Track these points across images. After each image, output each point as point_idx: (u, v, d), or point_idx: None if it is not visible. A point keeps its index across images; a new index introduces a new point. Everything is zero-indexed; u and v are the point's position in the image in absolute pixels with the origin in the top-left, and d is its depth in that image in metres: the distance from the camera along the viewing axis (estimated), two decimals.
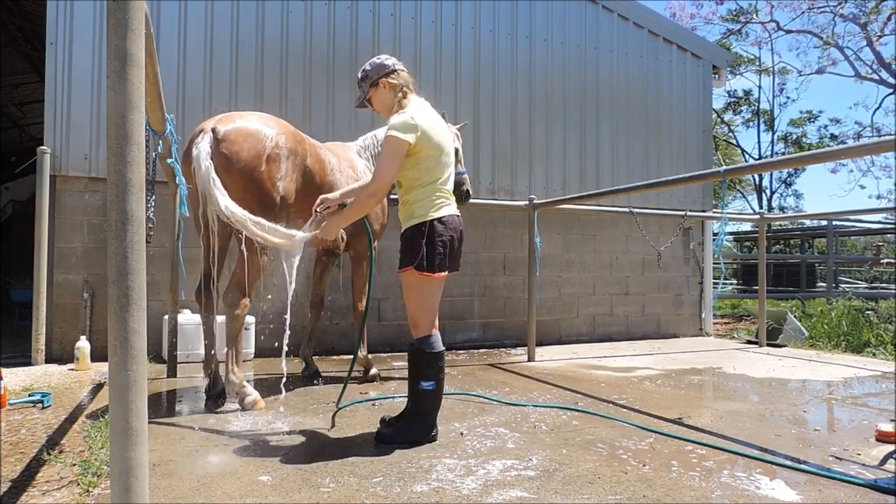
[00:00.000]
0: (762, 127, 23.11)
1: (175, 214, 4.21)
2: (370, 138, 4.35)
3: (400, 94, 2.88)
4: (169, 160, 3.24)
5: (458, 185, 4.35)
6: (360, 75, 3.01)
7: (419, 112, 2.77)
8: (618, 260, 7.17)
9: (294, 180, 3.54)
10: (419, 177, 2.76)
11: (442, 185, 2.80)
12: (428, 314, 2.80)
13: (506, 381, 4.40)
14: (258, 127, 3.40)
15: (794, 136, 23.37)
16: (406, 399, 2.86)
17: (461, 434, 2.93)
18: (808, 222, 19.61)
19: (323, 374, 4.42)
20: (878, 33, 16.58)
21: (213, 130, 3.30)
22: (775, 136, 23.20)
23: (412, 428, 2.77)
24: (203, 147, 3.22)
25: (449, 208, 2.79)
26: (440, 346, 2.79)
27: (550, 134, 6.79)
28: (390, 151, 2.69)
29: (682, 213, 6.43)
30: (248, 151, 3.30)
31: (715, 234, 7.93)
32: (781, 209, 24.00)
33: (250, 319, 5.05)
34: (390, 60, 2.95)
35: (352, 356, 4.66)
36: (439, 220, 2.73)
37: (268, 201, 3.37)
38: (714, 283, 9.37)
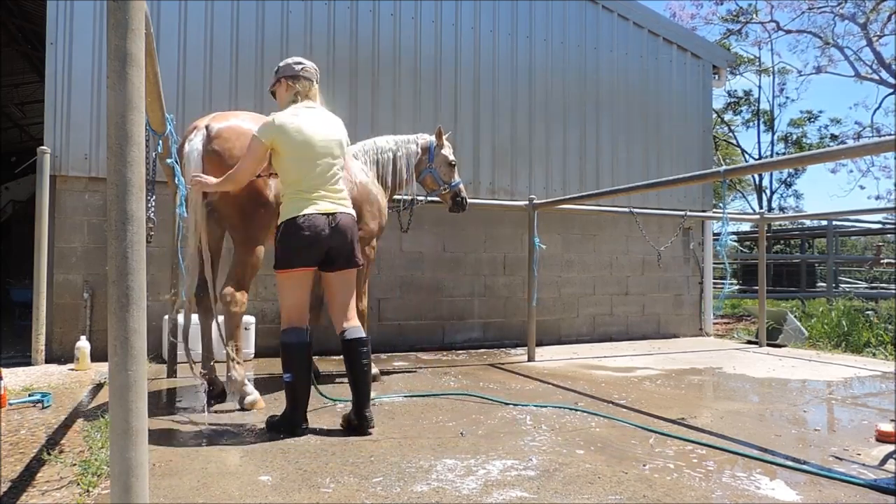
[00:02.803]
0: (762, 127, 23.13)
1: (175, 214, 4.22)
2: (370, 143, 4.45)
3: (292, 97, 3.10)
4: (168, 160, 3.25)
5: (456, 195, 4.63)
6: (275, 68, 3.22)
7: (289, 115, 2.96)
8: (618, 260, 7.17)
9: None
10: (283, 179, 2.97)
11: (306, 187, 2.90)
12: (286, 309, 2.94)
13: (506, 381, 4.40)
14: (251, 126, 3.43)
15: (794, 137, 23.38)
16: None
17: (461, 434, 2.93)
18: (808, 222, 19.60)
19: (323, 374, 4.42)
20: (878, 33, 16.58)
21: (207, 128, 3.37)
22: (775, 137, 23.21)
23: (282, 419, 2.92)
24: (196, 144, 3.31)
25: (311, 207, 2.87)
26: (295, 340, 2.89)
27: (550, 134, 6.79)
28: (247, 148, 3.01)
29: (682, 213, 6.43)
30: (241, 149, 3.33)
31: (716, 235, 7.94)
32: (781, 209, 24.00)
33: (250, 319, 5.05)
34: (300, 65, 3.13)
35: None
36: (294, 219, 2.84)
37: (260, 200, 3.40)
38: (721, 284, 9.36)
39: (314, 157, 2.92)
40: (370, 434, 2.88)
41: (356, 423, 2.91)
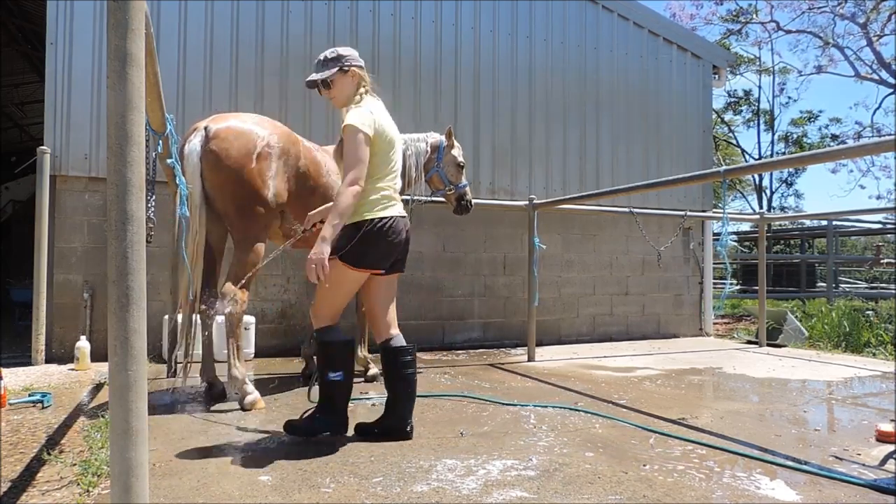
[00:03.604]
0: (762, 127, 23.13)
1: (175, 214, 4.22)
2: None
3: (362, 89, 2.81)
4: (169, 160, 3.26)
5: (461, 197, 4.65)
6: (329, 55, 2.81)
7: (375, 109, 2.75)
8: (618, 260, 7.16)
9: (286, 180, 3.58)
10: (369, 173, 2.70)
11: (388, 183, 2.77)
12: (332, 307, 2.77)
13: (506, 380, 4.40)
14: (249, 127, 3.46)
15: (795, 136, 23.39)
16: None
17: (461, 434, 2.93)
18: (808, 222, 19.62)
19: None
20: (878, 33, 16.58)
21: (206, 129, 3.39)
22: (775, 136, 23.21)
23: (323, 419, 2.79)
24: (195, 146, 3.34)
25: (395, 209, 2.77)
26: (342, 338, 2.80)
27: (550, 134, 6.79)
28: (356, 142, 2.61)
29: (682, 213, 6.43)
30: (238, 149, 3.36)
31: (716, 235, 7.94)
32: (781, 209, 24.01)
33: (250, 319, 5.05)
34: (356, 53, 2.87)
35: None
36: (381, 219, 2.69)
37: (258, 199, 3.41)
38: (721, 284, 9.34)
39: (396, 154, 2.82)
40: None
41: (398, 435, 2.82)
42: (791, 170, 23.23)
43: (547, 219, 6.35)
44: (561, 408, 3.51)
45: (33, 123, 12.19)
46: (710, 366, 5.26)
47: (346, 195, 2.58)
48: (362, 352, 4.30)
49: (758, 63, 21.93)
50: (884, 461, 2.63)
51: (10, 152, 13.14)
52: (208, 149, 3.33)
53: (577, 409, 3.48)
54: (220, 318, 4.89)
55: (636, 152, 7.25)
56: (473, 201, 5.82)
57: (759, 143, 22.94)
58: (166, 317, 4.57)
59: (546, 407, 3.53)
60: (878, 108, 22.58)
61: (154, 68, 2.37)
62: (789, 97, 23.29)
